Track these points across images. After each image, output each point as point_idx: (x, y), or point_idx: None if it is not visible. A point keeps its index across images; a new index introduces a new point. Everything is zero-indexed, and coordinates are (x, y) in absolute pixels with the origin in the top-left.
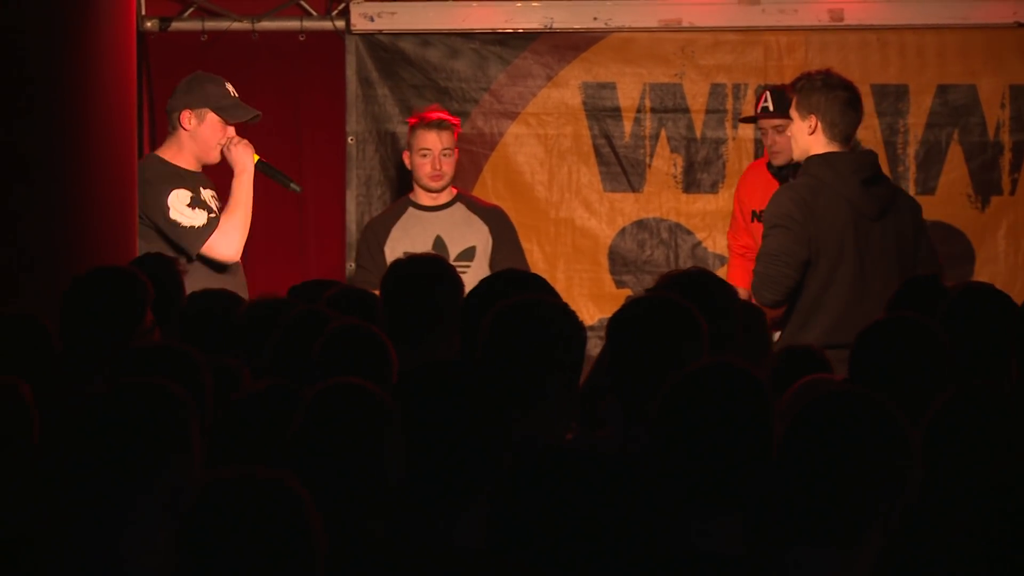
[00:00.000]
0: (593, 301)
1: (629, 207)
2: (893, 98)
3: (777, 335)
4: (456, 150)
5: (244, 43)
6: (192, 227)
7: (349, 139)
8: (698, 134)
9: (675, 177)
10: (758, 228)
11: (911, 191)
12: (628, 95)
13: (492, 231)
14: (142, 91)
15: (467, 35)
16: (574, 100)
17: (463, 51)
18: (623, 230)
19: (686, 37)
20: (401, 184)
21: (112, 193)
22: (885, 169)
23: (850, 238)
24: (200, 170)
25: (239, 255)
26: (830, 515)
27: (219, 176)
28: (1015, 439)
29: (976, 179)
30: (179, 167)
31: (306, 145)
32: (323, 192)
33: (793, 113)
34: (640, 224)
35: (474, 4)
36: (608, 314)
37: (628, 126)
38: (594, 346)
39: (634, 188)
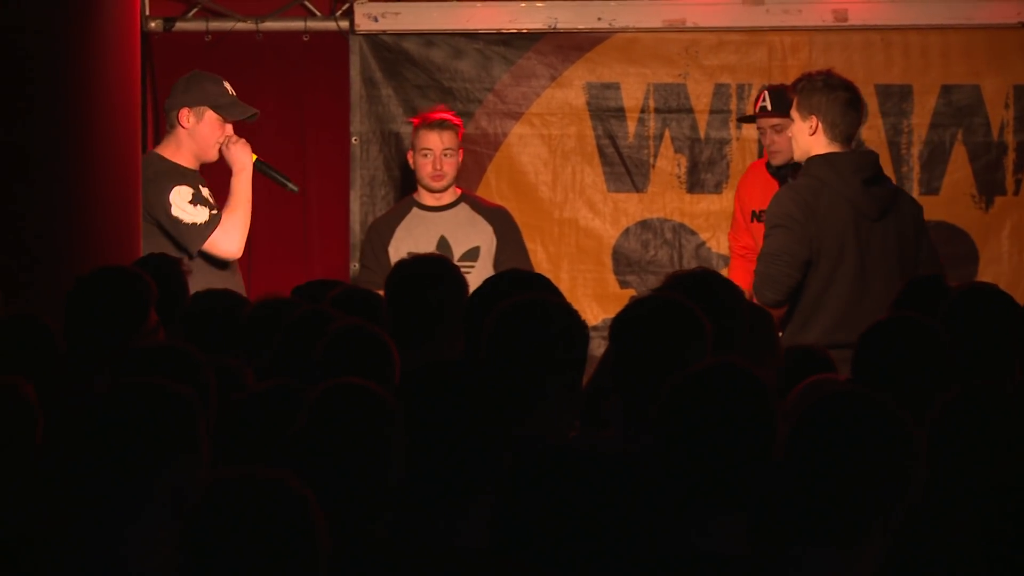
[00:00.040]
0: (597, 301)
1: (633, 207)
2: (897, 98)
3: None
4: (460, 151)
5: (248, 43)
6: (194, 224)
7: (353, 139)
8: (702, 134)
9: (679, 177)
10: (758, 228)
11: (915, 191)
12: (632, 95)
13: (496, 231)
14: (146, 91)
15: (471, 35)
16: (578, 100)
17: (467, 51)
18: (627, 230)
19: (690, 37)
20: (405, 184)
21: (116, 193)
22: (889, 169)
23: (851, 238)
24: (198, 168)
25: (241, 252)
26: (834, 515)
27: (217, 175)
28: (1018, 439)
29: (980, 179)
30: (179, 165)
31: (310, 145)
32: (327, 192)
33: (794, 114)
34: (644, 224)
35: (478, 4)
36: (612, 314)
37: (632, 126)
38: (597, 346)
39: (638, 188)
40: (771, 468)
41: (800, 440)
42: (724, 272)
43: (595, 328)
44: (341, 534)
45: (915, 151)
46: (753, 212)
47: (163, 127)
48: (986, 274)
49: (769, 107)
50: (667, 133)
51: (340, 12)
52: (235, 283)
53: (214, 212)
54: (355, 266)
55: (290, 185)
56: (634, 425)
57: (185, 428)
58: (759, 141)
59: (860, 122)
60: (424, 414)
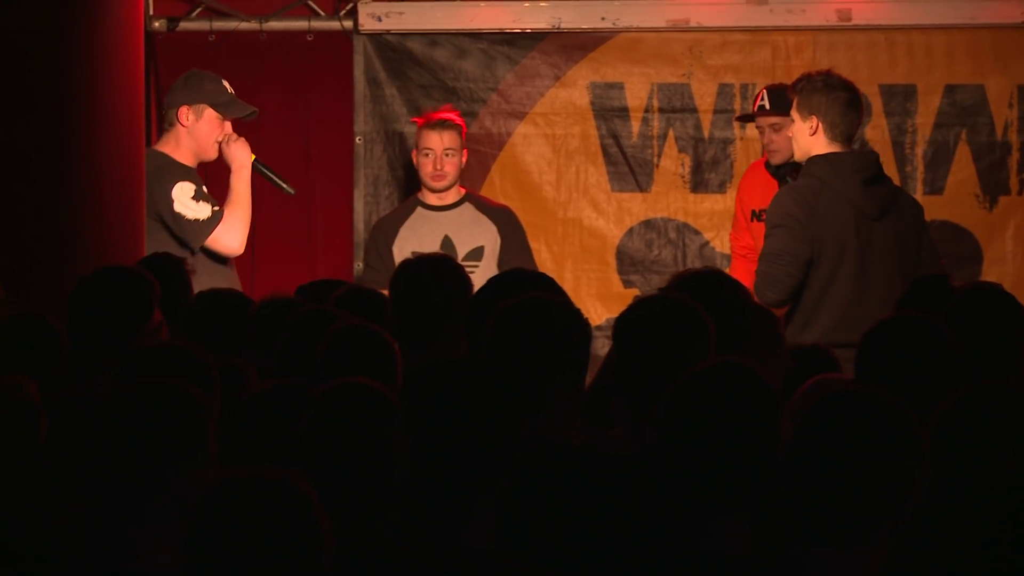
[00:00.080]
0: (601, 301)
1: (637, 207)
2: (901, 98)
3: None
4: (465, 151)
5: (252, 43)
6: (197, 220)
7: (357, 139)
8: (706, 134)
9: (683, 177)
10: (758, 227)
11: (919, 191)
12: (636, 95)
13: (500, 231)
14: (150, 91)
15: (475, 35)
16: (582, 100)
17: (471, 51)
18: (631, 230)
19: (694, 37)
20: (409, 184)
21: (120, 193)
22: (893, 169)
23: (851, 238)
24: (195, 167)
25: (243, 248)
26: (840, 515)
27: (215, 174)
28: (1022, 440)
29: (984, 179)
30: (180, 162)
31: (314, 145)
32: (331, 192)
33: (794, 114)
34: (648, 224)
35: (482, 4)
36: (616, 314)
37: (636, 126)
38: (602, 346)
39: (642, 188)
40: (775, 468)
41: (805, 439)
42: (726, 271)
43: (599, 328)
44: (345, 534)
45: (919, 151)
46: (753, 211)
47: (154, 125)
48: (990, 274)
49: (768, 106)
50: (671, 133)
51: (344, 12)
52: (233, 280)
53: (216, 208)
54: (359, 265)
55: (287, 187)
56: (638, 425)
57: (194, 428)
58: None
59: (860, 122)
60: (427, 414)
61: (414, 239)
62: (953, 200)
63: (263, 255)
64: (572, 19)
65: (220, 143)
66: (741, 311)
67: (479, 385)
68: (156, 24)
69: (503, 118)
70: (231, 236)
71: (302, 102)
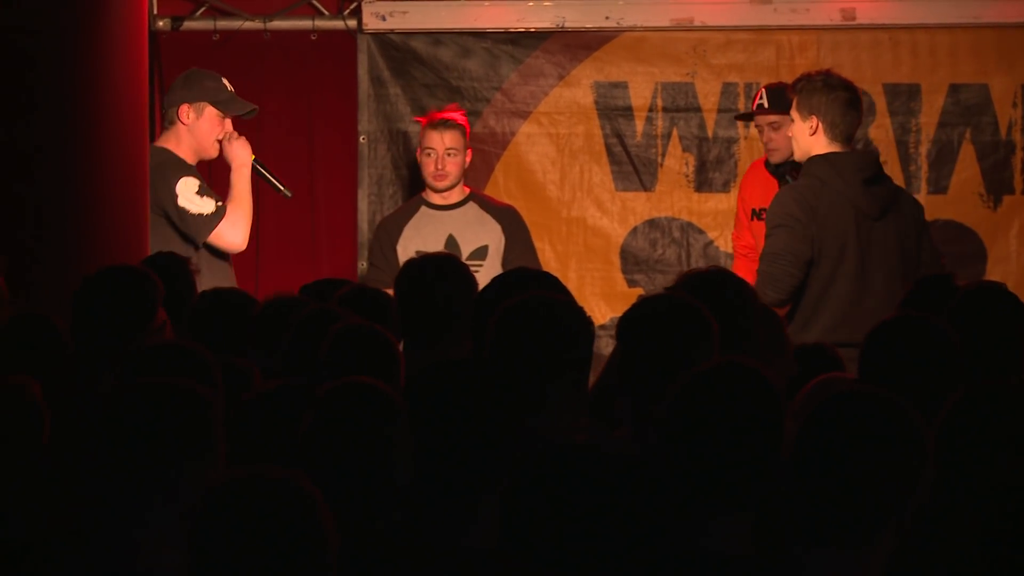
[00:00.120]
0: (605, 300)
1: (641, 206)
2: (905, 97)
3: None
4: (469, 150)
5: (256, 42)
6: (201, 214)
7: (361, 138)
8: (710, 133)
9: (687, 176)
10: (758, 226)
11: (923, 190)
12: (640, 94)
13: (505, 230)
14: (154, 90)
15: (479, 34)
16: (586, 99)
17: (475, 50)
18: (635, 229)
19: (698, 36)
20: (413, 183)
21: (124, 192)
22: (897, 168)
23: (852, 238)
24: (195, 165)
25: (245, 244)
26: (843, 515)
27: (214, 173)
28: None
29: (988, 178)
30: (182, 158)
31: (318, 144)
32: (335, 191)
33: (794, 114)
34: (652, 223)
35: (486, 3)
36: (620, 313)
37: (640, 125)
38: (606, 345)
39: (646, 187)
40: (778, 468)
41: (808, 439)
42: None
43: (603, 327)
44: (349, 533)
45: (923, 150)
46: (753, 210)
47: (157, 125)
48: (994, 273)
49: (766, 104)
50: (675, 132)
51: (348, 11)
52: (231, 277)
53: (220, 203)
54: (363, 265)
55: (284, 190)
56: (642, 425)
57: (202, 428)
58: None
59: (860, 122)
60: (430, 413)
61: (418, 238)
62: (957, 199)
63: (267, 254)
64: (576, 18)
65: (221, 141)
66: (746, 311)
67: (482, 384)
68: (160, 23)
69: (507, 117)
70: (234, 232)
71: (306, 101)
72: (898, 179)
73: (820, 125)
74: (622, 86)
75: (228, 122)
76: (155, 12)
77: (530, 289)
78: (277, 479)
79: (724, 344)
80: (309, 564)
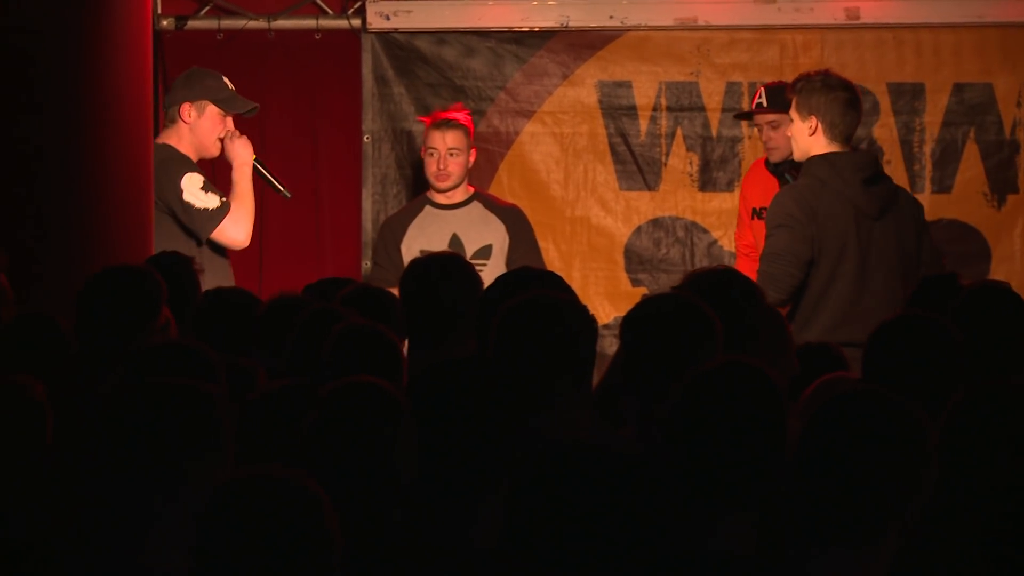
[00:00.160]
0: (609, 299)
1: (645, 205)
2: (909, 96)
3: None
4: (473, 150)
5: (260, 41)
6: (206, 209)
7: (365, 138)
8: (714, 132)
9: (691, 175)
10: (758, 225)
11: (927, 190)
12: (644, 93)
13: (509, 229)
14: (158, 90)
15: (483, 33)
16: (590, 99)
17: (479, 50)
18: (639, 228)
19: (702, 36)
20: (417, 182)
21: (128, 191)
22: (901, 168)
23: (852, 238)
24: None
25: (248, 241)
26: (847, 514)
27: (214, 175)
28: None
29: (992, 177)
30: (185, 154)
31: (322, 144)
32: (339, 191)
33: (793, 114)
34: (656, 223)
35: (490, 3)
36: (624, 312)
37: (644, 124)
38: (610, 344)
39: (650, 187)
40: (781, 467)
41: (813, 439)
42: None
43: (607, 326)
44: (352, 533)
45: (927, 149)
46: (754, 209)
47: (161, 124)
48: (998, 272)
49: (765, 103)
50: (679, 131)
51: (352, 10)
52: (230, 275)
53: (224, 200)
54: (367, 264)
55: (283, 191)
56: (645, 424)
57: (212, 429)
58: None
59: (859, 121)
60: (434, 412)
61: (422, 237)
62: (961, 199)
63: (271, 254)
64: (580, 17)
65: (222, 140)
66: (753, 311)
67: (485, 384)
68: (164, 23)
69: (511, 117)
70: (238, 228)
71: (310, 101)
72: (902, 178)
73: (819, 125)
74: (626, 85)
75: (229, 120)
76: (159, 11)
77: (533, 288)
78: (281, 479)
79: (730, 344)
80: (313, 564)
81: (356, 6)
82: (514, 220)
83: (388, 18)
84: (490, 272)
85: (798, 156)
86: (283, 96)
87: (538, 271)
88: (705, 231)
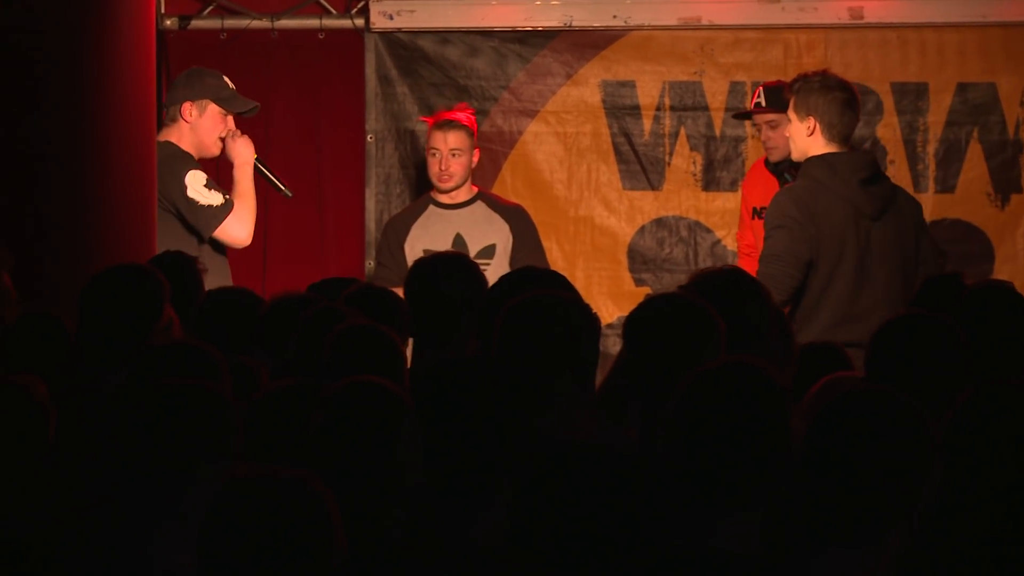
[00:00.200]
0: (612, 299)
1: (648, 205)
2: (913, 96)
3: None
4: (477, 150)
5: (263, 41)
6: (210, 206)
7: (368, 137)
8: (717, 132)
9: (694, 175)
10: (759, 225)
11: (931, 189)
12: (647, 93)
13: (512, 229)
14: (161, 89)
15: (486, 33)
16: (593, 98)
17: (482, 49)
18: (642, 228)
19: (706, 35)
20: (420, 182)
21: (131, 191)
22: (904, 167)
23: (850, 238)
24: None
25: (250, 240)
26: (851, 514)
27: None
28: None
29: (996, 177)
30: (188, 152)
31: (325, 143)
32: (342, 190)
33: (791, 114)
34: (659, 222)
35: (493, 2)
36: (627, 312)
37: (647, 124)
38: (613, 344)
39: (653, 186)
40: (785, 467)
41: (817, 438)
42: None
43: (610, 326)
44: (357, 532)
45: (931, 149)
46: (754, 209)
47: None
48: (1002, 272)
49: (764, 103)
50: (683, 131)
51: (355, 10)
52: (229, 274)
53: (228, 197)
54: (370, 264)
55: (284, 190)
56: (648, 424)
57: (222, 429)
58: None
59: (858, 122)
60: (437, 412)
61: (426, 237)
62: (965, 198)
63: (274, 254)
64: (584, 17)
65: (223, 139)
66: (760, 311)
67: (489, 383)
68: (167, 22)
69: (514, 116)
70: (240, 226)
71: (313, 100)
72: (905, 178)
73: (817, 126)
74: (630, 85)
75: (230, 119)
76: (163, 11)
77: (537, 288)
78: (286, 478)
79: (736, 344)
80: (318, 563)
81: (359, 6)
82: (518, 220)
83: (391, 18)
84: (494, 272)
85: (796, 156)
86: (286, 96)
87: (541, 271)
88: (709, 231)
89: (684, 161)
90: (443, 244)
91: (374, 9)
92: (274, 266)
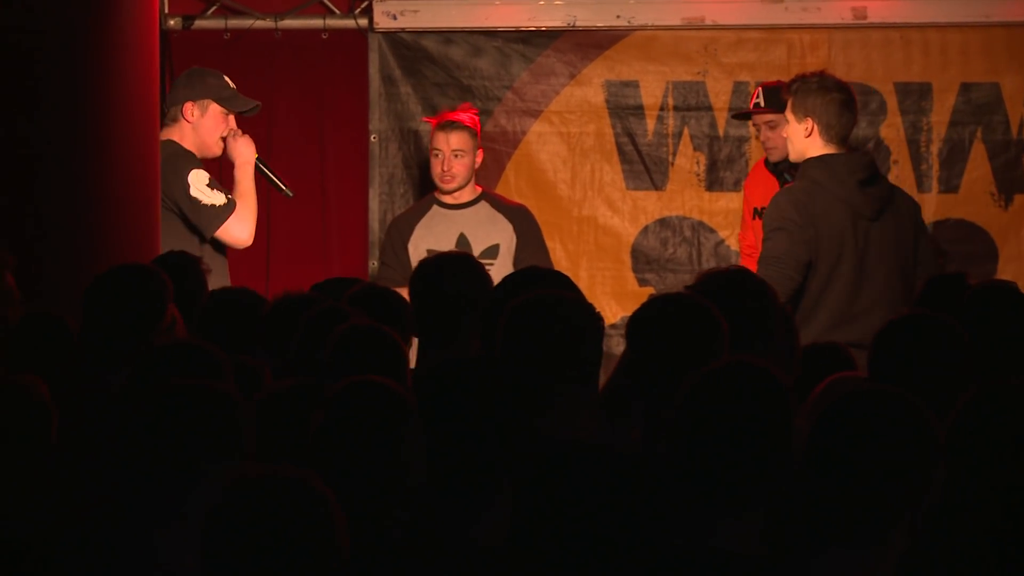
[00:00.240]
0: (616, 299)
1: (652, 205)
2: (916, 96)
3: None
4: (480, 150)
5: (267, 41)
6: (212, 205)
7: (372, 137)
8: (721, 132)
9: (698, 175)
10: (759, 225)
11: (934, 189)
12: (651, 93)
13: (516, 229)
14: (165, 89)
15: (490, 33)
16: (597, 98)
17: (486, 49)
18: (646, 228)
19: (709, 35)
20: (424, 182)
21: (135, 191)
22: (908, 167)
23: (849, 239)
24: None
25: (251, 240)
26: (855, 514)
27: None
28: None
29: (999, 177)
30: (190, 151)
31: (329, 143)
32: (346, 190)
33: (789, 115)
34: (663, 222)
35: (497, 2)
36: (631, 312)
37: (651, 124)
38: (617, 344)
39: (657, 186)
40: (788, 467)
41: (821, 438)
42: None
43: (613, 326)
44: (360, 532)
45: (934, 149)
46: (755, 209)
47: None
48: (1006, 272)
49: (762, 103)
50: (686, 131)
51: (359, 10)
52: (227, 274)
53: (230, 197)
54: (374, 264)
55: (285, 190)
56: (651, 424)
57: (230, 430)
58: None
59: (855, 123)
60: (439, 412)
61: (430, 237)
62: (968, 198)
63: (277, 253)
64: (587, 17)
65: (224, 138)
66: (766, 311)
67: (491, 383)
68: (171, 22)
69: (518, 116)
70: (242, 227)
71: (317, 100)
72: (909, 178)
73: (815, 127)
74: (633, 85)
75: (232, 119)
76: (166, 11)
77: (540, 288)
78: (289, 479)
79: (743, 344)
80: (320, 564)
81: (363, 6)
82: (521, 220)
83: (395, 18)
84: (497, 272)
85: (794, 157)
86: (290, 96)
87: (545, 271)
88: (712, 231)
89: (687, 161)
90: (447, 244)
91: (378, 9)
92: (277, 266)
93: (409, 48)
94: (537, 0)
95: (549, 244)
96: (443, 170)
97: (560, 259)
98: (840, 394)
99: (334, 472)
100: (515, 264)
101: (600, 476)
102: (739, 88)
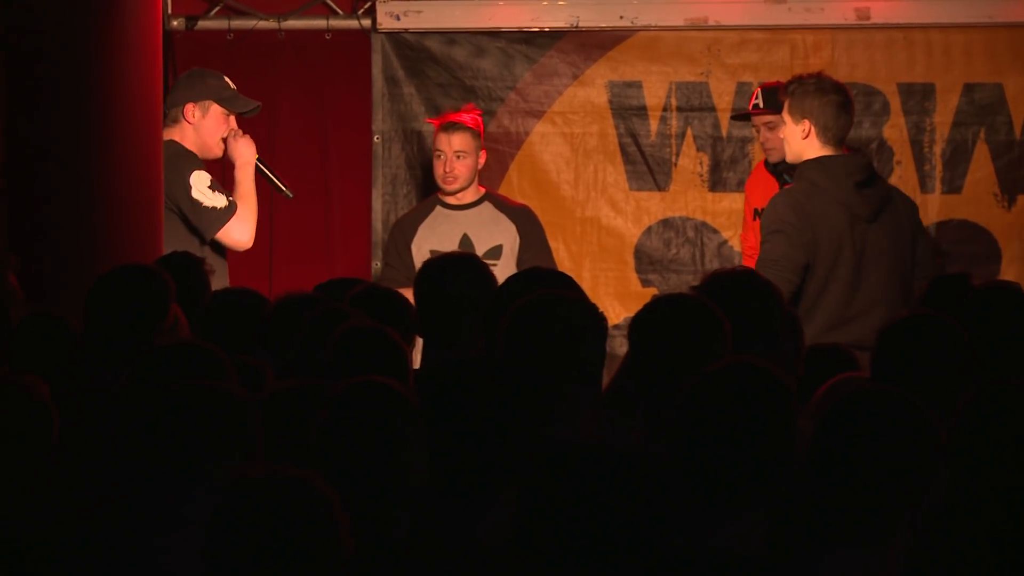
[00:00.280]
0: (619, 300)
1: (655, 206)
2: (919, 97)
3: None
4: (483, 151)
5: (270, 42)
6: (214, 207)
7: (375, 138)
8: (724, 133)
9: (701, 176)
10: (759, 226)
11: (937, 190)
12: (654, 94)
13: (519, 230)
14: (168, 90)
15: (493, 34)
16: (600, 99)
17: (489, 50)
18: (649, 229)
19: (712, 36)
20: (427, 183)
21: (138, 191)
22: (911, 168)
23: (846, 241)
24: None
25: (251, 243)
26: (858, 514)
27: (223, 175)
28: None
29: (1003, 178)
30: (193, 151)
31: (332, 144)
32: (349, 191)
33: (786, 117)
34: (666, 223)
35: (500, 3)
36: (634, 313)
37: (654, 125)
38: (620, 345)
39: (660, 187)
40: (791, 467)
41: (825, 437)
42: None
43: (617, 327)
44: (363, 533)
45: (937, 150)
46: (756, 210)
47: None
48: (1008, 273)
49: (761, 104)
50: (689, 131)
51: (362, 10)
52: (227, 275)
53: (231, 199)
54: (377, 265)
55: (285, 191)
56: (654, 424)
57: (240, 431)
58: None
59: (852, 124)
60: (443, 412)
61: (433, 238)
62: (971, 199)
63: (281, 254)
64: (590, 18)
65: (225, 139)
66: (771, 312)
67: (494, 383)
68: (174, 23)
69: (521, 117)
70: (242, 229)
71: (320, 101)
72: (912, 179)
73: (812, 129)
74: (636, 85)
75: (232, 120)
76: (169, 11)
77: (543, 288)
78: (291, 479)
79: (748, 344)
80: (323, 564)
81: (366, 6)
82: (524, 220)
83: (398, 18)
84: (500, 272)
85: (791, 159)
86: (293, 96)
87: (548, 271)
88: (715, 231)
89: (691, 162)
90: (450, 245)
91: (381, 10)
92: (280, 266)
93: (412, 49)
94: (540, 1)
95: (552, 245)
96: (446, 171)
97: (563, 260)
98: (843, 394)
99: (336, 472)
100: (518, 265)
101: (602, 476)
102: (742, 89)
